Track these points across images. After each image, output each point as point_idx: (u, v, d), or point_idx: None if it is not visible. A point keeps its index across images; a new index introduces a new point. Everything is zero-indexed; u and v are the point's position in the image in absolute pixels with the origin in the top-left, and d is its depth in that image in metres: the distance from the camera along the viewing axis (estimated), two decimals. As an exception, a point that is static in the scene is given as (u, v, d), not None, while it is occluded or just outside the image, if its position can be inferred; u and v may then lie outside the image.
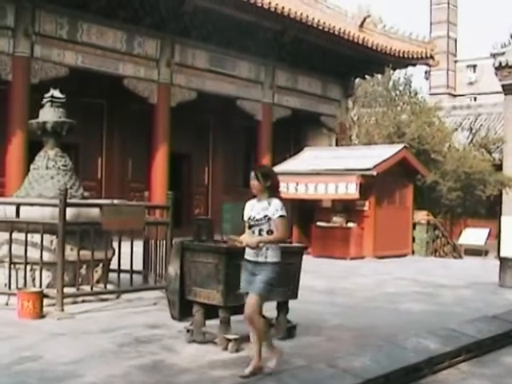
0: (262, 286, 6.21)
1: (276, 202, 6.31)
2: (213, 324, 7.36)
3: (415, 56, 26.21)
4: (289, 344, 7.52)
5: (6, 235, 9.44)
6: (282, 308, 7.80)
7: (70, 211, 9.21)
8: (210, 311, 7.29)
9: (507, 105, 28.44)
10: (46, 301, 8.83)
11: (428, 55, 26.67)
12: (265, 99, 23.68)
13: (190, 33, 20.90)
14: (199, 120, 23.78)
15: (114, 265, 10.29)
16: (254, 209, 6.40)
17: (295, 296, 7.88)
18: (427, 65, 28.98)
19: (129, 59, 19.56)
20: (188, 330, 7.47)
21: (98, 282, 10.02)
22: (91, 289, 9.76)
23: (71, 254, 9.45)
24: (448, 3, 49.81)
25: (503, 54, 27.34)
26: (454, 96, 49.12)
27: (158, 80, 20.25)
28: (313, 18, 21.75)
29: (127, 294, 10.18)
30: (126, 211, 10.09)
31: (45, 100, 10.75)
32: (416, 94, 26.92)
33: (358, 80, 28.85)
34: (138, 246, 10.49)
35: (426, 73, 48.28)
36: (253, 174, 6.39)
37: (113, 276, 10.28)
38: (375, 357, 6.81)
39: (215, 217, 21.97)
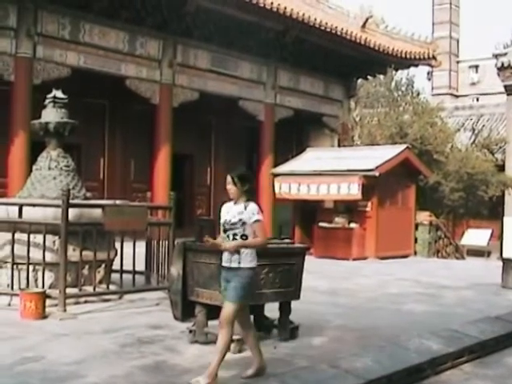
0: (235, 293, 5.98)
1: (252, 206, 6.11)
2: (215, 325, 7.35)
3: (417, 56, 26.18)
4: (291, 345, 7.52)
5: (8, 236, 9.44)
6: (285, 309, 7.79)
7: (72, 212, 9.22)
8: (213, 312, 7.28)
9: (509, 105, 28.45)
10: (48, 301, 8.83)
11: (430, 56, 26.65)
12: (267, 100, 23.67)
13: (192, 33, 20.90)
14: (201, 120, 23.77)
15: (116, 265, 10.30)
16: (229, 212, 6.20)
17: (298, 297, 7.87)
18: (429, 65, 28.95)
19: (131, 60, 19.56)
20: (190, 331, 7.47)
21: (100, 282, 10.02)
22: (93, 289, 9.76)
23: (73, 254, 9.45)
24: (450, 4, 49.77)
25: (505, 54, 27.34)
26: (457, 96, 49.07)
27: (160, 80, 20.25)
28: (315, 19, 21.74)
29: (129, 295, 10.18)
30: (129, 212, 10.10)
31: (47, 100, 10.76)
32: (418, 94, 26.92)
33: (360, 80, 28.83)
34: (141, 246, 10.48)
35: (428, 73, 48.20)
36: (229, 177, 6.17)
37: (115, 276, 10.29)
38: (377, 357, 6.81)
39: (217, 217, 21.96)
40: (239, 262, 6.03)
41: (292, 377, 6.04)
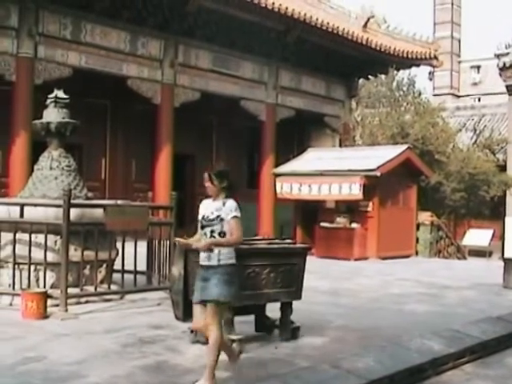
0: (217, 291, 5.81)
1: (230, 203, 5.99)
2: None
3: (419, 56, 26.18)
4: (292, 345, 7.51)
5: (10, 235, 9.44)
6: (286, 309, 7.78)
7: (73, 212, 9.22)
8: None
9: (511, 105, 28.41)
10: (49, 301, 8.83)
11: (432, 56, 26.65)
12: (268, 100, 23.67)
13: (193, 33, 20.90)
14: (203, 120, 23.78)
15: (117, 265, 10.29)
16: (208, 208, 6.08)
17: (299, 297, 7.87)
18: (431, 65, 28.95)
19: (132, 60, 19.56)
20: (192, 331, 7.46)
21: (101, 282, 10.02)
22: (95, 289, 9.76)
23: (75, 254, 9.45)
24: (452, 4, 49.78)
25: (507, 54, 27.31)
26: (458, 97, 49.08)
27: (161, 80, 20.25)
28: (316, 19, 21.74)
29: (131, 295, 10.18)
30: (130, 212, 10.09)
31: (48, 100, 10.75)
32: (420, 94, 26.91)
33: (361, 80, 28.83)
34: (142, 246, 10.48)
35: (429, 73, 48.24)
36: (206, 175, 6.08)
37: (116, 276, 10.28)
38: (379, 358, 6.80)
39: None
40: (219, 260, 5.90)
41: (293, 377, 6.03)
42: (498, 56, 27.60)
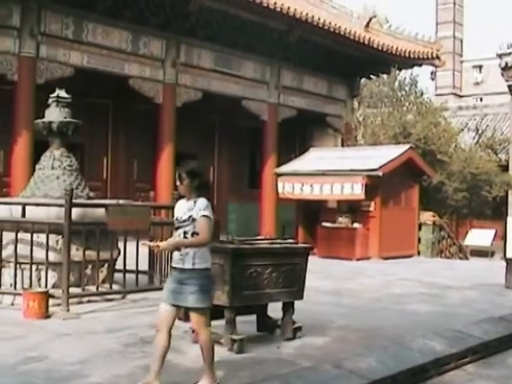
0: (196, 297, 5.65)
1: (201, 201, 5.75)
2: (218, 324, 7.34)
3: (421, 56, 26.15)
4: (294, 345, 7.51)
5: (11, 235, 9.44)
6: (288, 309, 7.78)
7: (75, 211, 9.21)
8: (216, 311, 7.27)
9: (513, 105, 28.39)
10: (51, 301, 8.83)
11: (434, 55, 26.62)
12: (270, 99, 23.66)
13: (195, 33, 20.90)
14: (204, 120, 23.77)
15: (119, 265, 10.29)
16: (181, 209, 5.89)
17: (301, 297, 7.86)
18: (433, 65, 28.93)
19: (134, 59, 19.56)
20: (193, 331, 7.45)
21: (103, 282, 10.02)
22: (97, 289, 9.76)
23: (77, 254, 9.45)
24: (454, 3, 49.72)
25: (509, 54, 27.25)
26: (460, 96, 49.03)
27: (163, 80, 20.24)
28: (318, 18, 21.72)
29: (133, 295, 10.18)
30: (132, 211, 10.09)
31: (50, 100, 10.76)
32: (422, 94, 26.88)
33: (363, 80, 28.82)
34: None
35: (431, 73, 48.21)
36: (177, 173, 5.84)
37: (118, 276, 10.28)
38: (381, 358, 6.79)
39: (220, 217, 21.98)
40: (193, 263, 5.69)
41: (295, 377, 6.02)
42: (500, 56, 27.56)
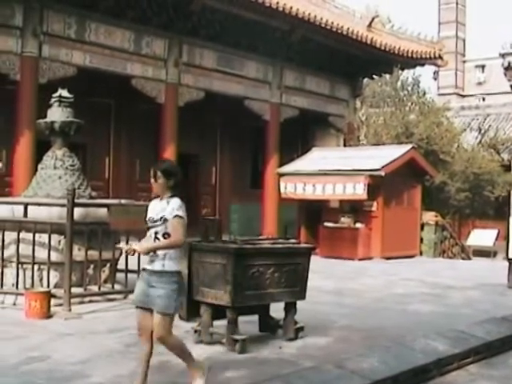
0: (162, 302, 5.43)
1: (174, 201, 5.59)
2: (220, 324, 7.34)
3: (423, 56, 26.12)
4: (296, 345, 7.50)
5: (13, 235, 9.44)
6: (290, 309, 7.77)
7: (77, 211, 9.22)
8: (218, 312, 7.28)
9: (516, 105, 28.39)
10: (53, 301, 8.83)
11: (436, 55, 26.59)
12: (273, 99, 23.64)
13: (197, 32, 20.88)
14: (207, 120, 23.75)
15: (121, 265, 10.28)
16: (154, 209, 5.72)
17: (303, 297, 7.86)
18: (436, 65, 28.88)
19: (137, 59, 19.54)
20: (195, 331, 7.46)
21: (105, 282, 10.03)
22: (99, 289, 9.76)
23: (79, 253, 9.46)
24: (456, 3, 49.67)
25: (512, 54, 27.25)
26: (463, 96, 48.97)
27: (165, 80, 20.23)
28: (321, 18, 21.70)
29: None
30: (134, 211, 10.07)
31: (53, 100, 10.76)
32: (424, 94, 26.90)
33: (366, 80, 28.79)
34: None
35: (434, 73, 48.15)
36: (152, 171, 5.66)
37: (120, 276, 10.27)
38: (383, 358, 6.79)
39: (223, 217, 21.98)
40: (163, 265, 5.49)
41: (297, 377, 6.02)
42: (502, 55, 27.54)
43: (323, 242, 19.14)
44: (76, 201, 9.17)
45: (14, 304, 9.21)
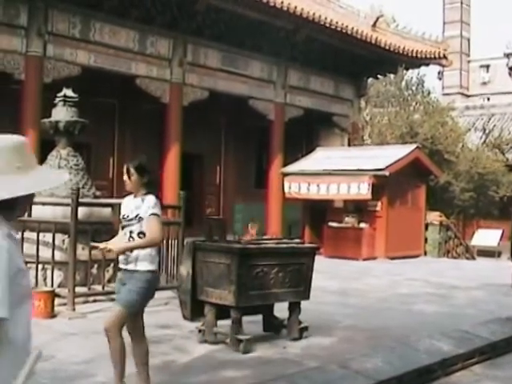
0: (126, 298, 5.36)
1: (149, 199, 5.42)
2: (224, 324, 7.34)
3: (428, 56, 26.09)
4: (300, 345, 7.50)
5: (17, 234, 9.43)
6: (294, 308, 7.77)
7: (81, 210, 9.22)
8: (222, 311, 7.28)
9: (521, 105, 28.34)
10: (57, 300, 8.83)
11: (441, 55, 26.54)
12: (277, 99, 23.63)
13: (202, 32, 20.88)
14: (211, 120, 23.75)
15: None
16: (128, 206, 5.56)
17: (307, 296, 7.86)
18: (440, 65, 28.84)
19: (141, 59, 19.55)
20: (200, 330, 7.45)
21: (109, 281, 10.02)
22: (103, 288, 9.76)
23: (83, 253, 9.46)
24: (461, 3, 49.64)
25: (517, 53, 27.23)
26: (467, 96, 48.95)
27: (170, 79, 20.22)
28: (325, 18, 21.69)
29: (139, 294, 10.16)
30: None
31: (57, 99, 10.78)
32: (429, 93, 26.90)
33: (370, 80, 28.76)
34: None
35: (438, 73, 48.14)
36: (125, 168, 5.54)
37: (124, 275, 10.25)
38: (388, 358, 6.78)
39: (227, 217, 21.97)
40: (136, 265, 5.39)
41: (302, 377, 6.01)
42: (507, 55, 27.55)
43: (327, 242, 19.13)
44: (80, 200, 9.18)
45: (18, 303, 9.20)
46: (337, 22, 22.02)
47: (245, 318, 7.32)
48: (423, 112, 25.20)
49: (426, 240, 21.36)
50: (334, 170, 19.13)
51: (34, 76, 17.21)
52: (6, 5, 16.71)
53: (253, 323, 7.73)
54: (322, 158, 21.06)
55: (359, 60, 25.18)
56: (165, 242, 10.79)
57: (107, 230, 9.59)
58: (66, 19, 17.83)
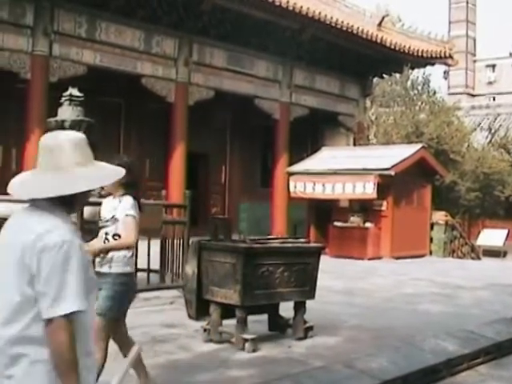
0: (103, 304, 5.16)
1: (126, 200, 5.31)
2: (230, 323, 7.34)
3: (434, 55, 26.06)
4: (306, 344, 7.50)
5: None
6: (300, 308, 7.77)
7: (87, 209, 9.22)
8: (227, 311, 7.28)
9: (527, 105, 28.29)
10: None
11: (447, 54, 26.52)
12: (282, 98, 23.63)
13: (208, 32, 20.89)
14: (217, 119, 23.77)
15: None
16: (106, 208, 5.46)
17: (312, 296, 7.86)
18: (446, 64, 28.83)
19: (147, 58, 19.57)
20: (205, 330, 7.46)
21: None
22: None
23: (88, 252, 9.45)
24: (467, 2, 49.58)
25: (523, 53, 27.18)
26: (473, 96, 48.89)
27: (175, 79, 20.25)
28: (331, 17, 21.69)
29: (144, 293, 10.17)
30: (144, 210, 10.08)
31: (63, 98, 10.78)
32: (434, 93, 26.86)
33: (376, 79, 28.76)
34: (155, 244, 10.48)
35: (444, 72, 48.09)
36: None
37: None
38: (393, 358, 6.78)
39: (232, 216, 21.98)
40: (110, 267, 5.24)
41: (307, 377, 6.02)
42: (513, 55, 27.47)
43: (333, 242, 19.11)
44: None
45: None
46: (342, 22, 22.02)
47: (250, 318, 7.33)
48: (429, 112, 25.15)
49: (431, 240, 21.32)
50: (339, 170, 19.11)
51: (40, 75, 17.25)
52: (13, 4, 16.77)
53: (258, 322, 7.73)
54: (327, 157, 21.04)
55: (365, 59, 25.17)
56: (170, 241, 10.82)
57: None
58: (72, 19, 17.87)
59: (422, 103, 26.05)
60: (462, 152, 24.81)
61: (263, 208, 23.35)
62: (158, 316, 8.83)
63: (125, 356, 5.28)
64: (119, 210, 5.29)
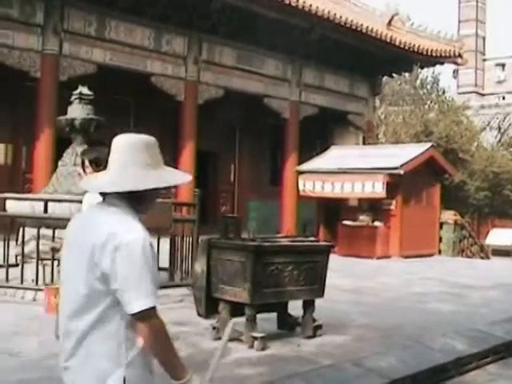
0: None
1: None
2: (239, 322, 7.35)
3: (443, 54, 26.01)
4: (315, 343, 7.50)
5: (33, 231, 9.50)
6: (308, 306, 7.78)
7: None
8: (237, 309, 7.29)
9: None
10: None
11: (456, 54, 26.47)
12: (292, 97, 23.63)
13: (217, 30, 20.90)
14: (226, 118, 23.77)
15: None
16: (84, 203, 5.28)
17: (321, 294, 7.86)
18: (455, 63, 28.76)
19: (156, 57, 19.60)
20: (214, 328, 7.47)
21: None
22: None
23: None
24: (476, 1, 49.47)
25: (533, 52, 27.09)
26: (483, 95, 48.77)
27: (185, 77, 20.28)
28: (340, 16, 21.67)
29: (153, 291, 10.19)
30: (156, 208, 10.10)
31: (73, 97, 10.81)
32: (444, 92, 26.85)
33: (385, 78, 28.71)
34: (165, 242, 10.51)
35: (454, 71, 47.96)
36: (80, 160, 5.18)
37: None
38: (402, 357, 6.78)
39: (241, 215, 21.99)
40: None
41: (315, 375, 6.03)
42: (523, 54, 27.39)
43: (342, 241, 19.10)
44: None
45: (34, 300, 9.26)
46: (352, 21, 22.00)
47: (259, 316, 7.34)
48: (438, 111, 25.14)
49: (440, 239, 21.29)
50: (348, 169, 19.11)
51: (50, 74, 17.30)
52: (23, 3, 16.83)
53: (267, 321, 7.74)
54: (336, 156, 21.04)
55: (374, 58, 25.13)
56: (179, 239, 10.85)
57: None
58: (82, 17, 17.92)
59: (431, 102, 26.04)
60: (471, 151, 24.78)
61: (272, 207, 23.35)
62: (167, 314, 8.77)
63: None
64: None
